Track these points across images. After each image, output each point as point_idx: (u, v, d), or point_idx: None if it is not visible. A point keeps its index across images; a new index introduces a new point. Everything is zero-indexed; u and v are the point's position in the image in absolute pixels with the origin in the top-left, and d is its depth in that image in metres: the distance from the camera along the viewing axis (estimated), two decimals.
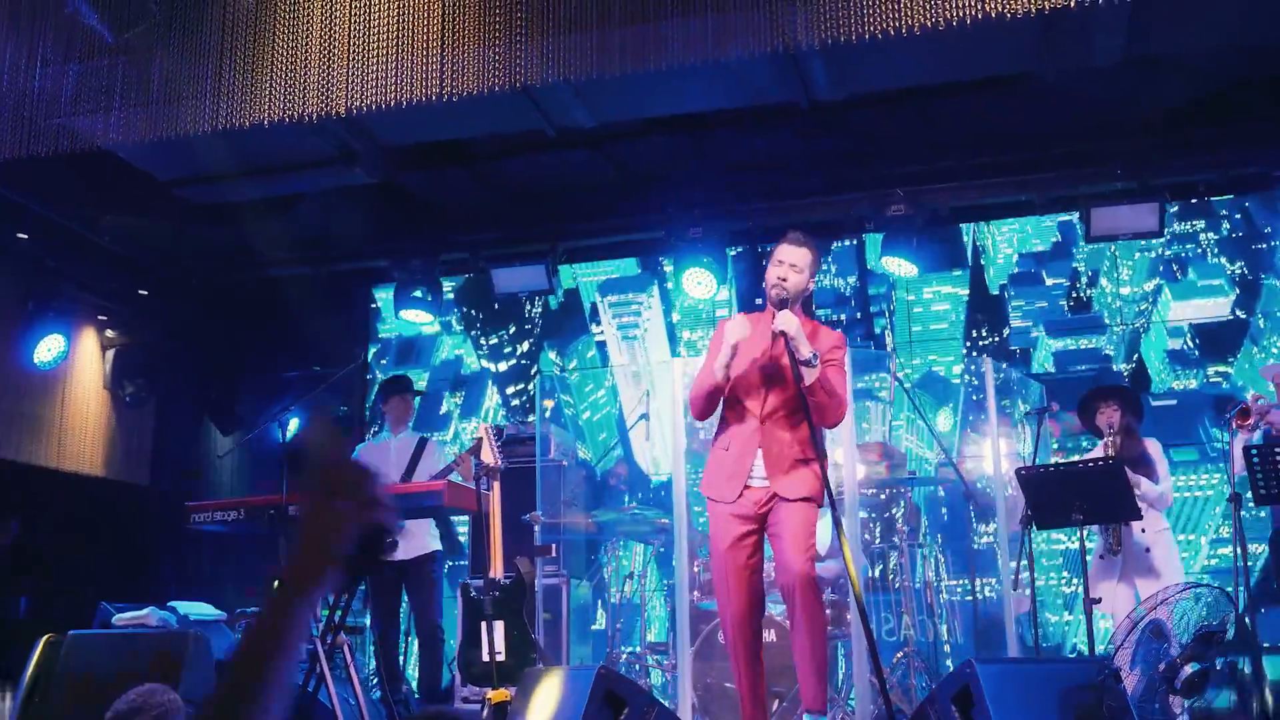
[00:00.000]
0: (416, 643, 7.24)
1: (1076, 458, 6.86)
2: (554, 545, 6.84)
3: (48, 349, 8.20)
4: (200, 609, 6.93)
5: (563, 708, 4.67)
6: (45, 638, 6.11)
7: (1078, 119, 7.32)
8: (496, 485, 5.36)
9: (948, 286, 8.59)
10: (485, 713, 5.18)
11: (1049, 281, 8.47)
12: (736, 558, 4.53)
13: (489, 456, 5.34)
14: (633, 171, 8.07)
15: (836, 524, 4.53)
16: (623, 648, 7.28)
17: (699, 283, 7.97)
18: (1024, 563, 6.05)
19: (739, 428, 4.60)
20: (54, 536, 8.67)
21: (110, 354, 8.87)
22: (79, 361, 8.68)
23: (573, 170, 8.04)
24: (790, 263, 4.60)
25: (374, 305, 9.79)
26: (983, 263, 8.60)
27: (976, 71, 6.44)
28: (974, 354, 8.32)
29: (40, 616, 8.66)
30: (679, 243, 8.00)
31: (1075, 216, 7.99)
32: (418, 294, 8.37)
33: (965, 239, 8.64)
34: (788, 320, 4.39)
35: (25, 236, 7.76)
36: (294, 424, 9.82)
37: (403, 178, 8.04)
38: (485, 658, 5.19)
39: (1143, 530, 5.99)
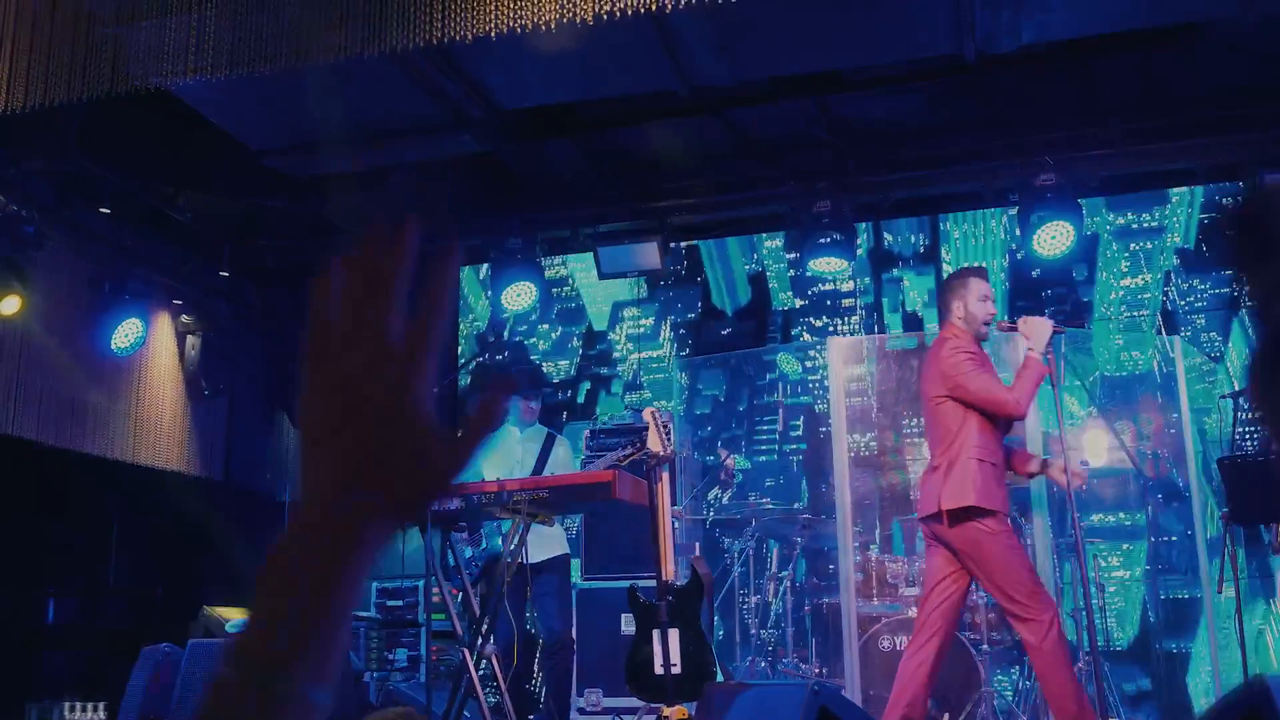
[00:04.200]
0: (539, 653, 6.69)
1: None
2: (696, 544, 6.26)
3: (125, 334, 7.63)
4: None
5: None
6: (146, 647, 5.59)
7: (1252, 78, 6.69)
8: (665, 476, 4.77)
9: None
10: None
11: None
12: (1028, 561, 4.67)
13: (657, 444, 4.75)
14: (754, 140, 7.47)
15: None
16: (758, 657, 6.71)
17: (828, 263, 7.36)
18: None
19: (996, 442, 4.68)
20: (125, 533, 8.16)
21: (190, 340, 8.30)
22: (154, 348, 8.11)
23: (687, 139, 7.45)
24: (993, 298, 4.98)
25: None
26: None
27: (1169, 16, 5.81)
28: None
29: (98, 616, 8.13)
30: (803, 218, 7.40)
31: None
32: (517, 274, 7.79)
33: None
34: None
35: (108, 211, 7.19)
36: None
37: (503, 149, 7.47)
38: (659, 670, 4.61)
39: None
